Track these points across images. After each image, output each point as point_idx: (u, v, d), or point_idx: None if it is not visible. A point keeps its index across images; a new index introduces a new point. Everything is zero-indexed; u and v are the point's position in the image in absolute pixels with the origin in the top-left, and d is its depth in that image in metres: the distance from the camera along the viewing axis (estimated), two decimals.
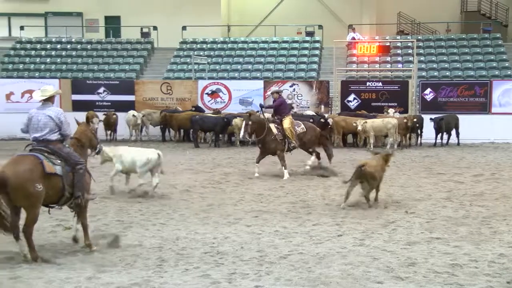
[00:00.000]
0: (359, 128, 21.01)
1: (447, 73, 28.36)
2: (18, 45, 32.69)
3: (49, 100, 8.69)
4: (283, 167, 15.41)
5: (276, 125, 15.66)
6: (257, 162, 15.68)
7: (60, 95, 25.37)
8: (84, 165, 8.66)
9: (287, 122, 15.75)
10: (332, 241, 9.09)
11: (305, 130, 16.01)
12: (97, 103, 25.83)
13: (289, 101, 24.55)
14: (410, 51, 30.01)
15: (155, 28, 33.20)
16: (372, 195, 11.69)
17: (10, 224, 7.96)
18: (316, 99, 25.47)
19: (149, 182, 12.76)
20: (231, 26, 37.38)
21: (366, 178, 11.34)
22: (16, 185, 7.80)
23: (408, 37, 32.73)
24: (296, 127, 15.90)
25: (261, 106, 16.84)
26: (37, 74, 29.56)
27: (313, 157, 16.12)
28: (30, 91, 25.12)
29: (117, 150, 12.86)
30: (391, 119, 21.45)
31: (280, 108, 15.98)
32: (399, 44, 31.09)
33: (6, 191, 7.79)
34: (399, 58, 30.29)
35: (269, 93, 16.85)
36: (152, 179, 12.63)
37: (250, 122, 15.30)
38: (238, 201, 12.15)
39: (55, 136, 8.48)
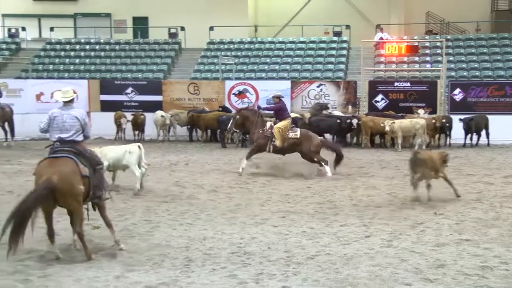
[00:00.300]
0: (387, 128, 20.84)
1: (477, 73, 28.01)
2: (48, 46, 33.09)
3: (70, 101, 8.72)
4: (245, 157, 15.77)
5: (272, 123, 15.91)
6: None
7: (89, 95, 25.74)
8: (103, 165, 8.79)
9: (281, 123, 15.78)
10: (359, 242, 9.03)
11: (298, 136, 15.75)
12: (125, 103, 26.01)
13: (324, 101, 24.51)
14: (439, 51, 29.70)
15: (182, 28, 33.36)
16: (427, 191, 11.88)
17: (48, 229, 8.10)
18: (343, 100, 25.34)
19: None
20: (258, 26, 37.41)
21: (420, 165, 11.74)
22: (65, 189, 7.91)
23: (437, 37, 32.43)
24: (290, 132, 15.76)
25: (259, 107, 16.90)
26: (66, 75, 29.89)
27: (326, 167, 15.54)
28: None
29: (103, 149, 13.05)
30: (419, 119, 21.26)
31: (279, 113, 16.03)
32: (427, 44, 30.80)
33: (54, 195, 7.90)
34: (428, 58, 30.00)
35: (270, 96, 16.90)
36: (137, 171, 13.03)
37: (237, 116, 16.04)
38: (265, 202, 12.13)
39: (80, 137, 8.54)
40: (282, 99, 16.80)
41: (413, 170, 11.98)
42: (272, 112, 16.56)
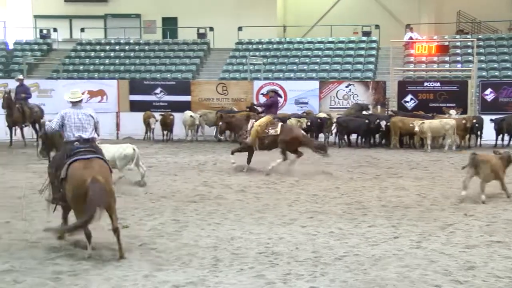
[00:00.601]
0: (417, 129, 20.63)
1: (509, 73, 27.61)
2: (78, 47, 33.47)
3: (79, 101, 8.89)
4: (230, 152, 16.31)
5: (254, 122, 16.02)
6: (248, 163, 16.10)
7: (118, 95, 25.96)
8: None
9: (261, 120, 15.93)
10: (388, 243, 8.97)
11: (278, 133, 15.75)
12: (154, 104, 26.15)
13: (364, 102, 24.27)
14: (469, 50, 29.34)
15: (211, 29, 33.47)
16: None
17: (86, 229, 8.21)
18: (372, 100, 25.17)
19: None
20: (287, 26, 37.34)
21: (479, 165, 11.70)
22: (108, 189, 8.19)
23: (468, 36, 32.03)
24: (270, 128, 15.84)
25: (253, 104, 17.26)
26: (96, 75, 30.20)
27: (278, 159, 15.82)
28: (90, 92, 25.73)
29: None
30: (449, 120, 21.02)
31: (271, 109, 16.37)
32: (458, 43, 30.45)
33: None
34: (458, 58, 29.66)
35: (264, 90, 17.10)
36: (139, 170, 13.62)
37: (220, 123, 16.59)
38: (293, 202, 12.10)
39: (95, 135, 8.71)
40: (277, 93, 17.22)
41: (472, 170, 11.87)
42: (263, 108, 16.78)
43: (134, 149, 13.48)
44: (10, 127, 22.14)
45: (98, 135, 8.87)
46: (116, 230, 8.26)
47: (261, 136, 15.77)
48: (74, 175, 8.15)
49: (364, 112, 23.04)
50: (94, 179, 7.99)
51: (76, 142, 8.50)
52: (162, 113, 24.37)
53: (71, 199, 8.20)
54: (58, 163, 8.60)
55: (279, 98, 16.48)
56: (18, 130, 22.45)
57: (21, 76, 23.53)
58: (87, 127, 8.59)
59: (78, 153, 8.37)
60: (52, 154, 9.24)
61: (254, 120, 16.18)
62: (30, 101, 22.83)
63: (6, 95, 21.84)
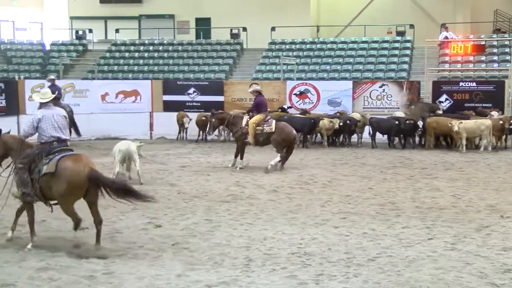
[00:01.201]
0: (455, 128, 20.32)
1: None
2: (113, 48, 33.82)
3: (49, 102, 8.99)
4: (234, 156, 16.74)
5: (248, 119, 16.62)
6: (241, 158, 16.79)
7: (152, 95, 26.14)
8: None
9: (255, 118, 16.50)
10: (422, 244, 8.88)
11: (273, 130, 16.42)
12: (187, 104, 26.28)
13: (436, 103, 23.93)
14: (507, 50, 28.87)
15: (244, 29, 33.53)
16: None
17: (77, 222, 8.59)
18: (407, 100, 24.92)
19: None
20: (320, 26, 37.18)
21: None
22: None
23: (505, 36, 31.52)
24: (265, 126, 16.46)
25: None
26: (130, 75, 30.47)
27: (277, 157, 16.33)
28: (124, 92, 25.95)
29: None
30: (484, 120, 20.69)
31: (258, 108, 16.82)
32: (495, 43, 29.99)
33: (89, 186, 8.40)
34: (495, 58, 29.19)
35: (250, 90, 17.50)
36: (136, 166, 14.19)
37: (213, 120, 17.11)
38: (326, 202, 12.06)
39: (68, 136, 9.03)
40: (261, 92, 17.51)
41: None
42: (253, 109, 17.10)
43: (127, 147, 14.07)
44: None
45: (69, 136, 9.10)
46: (100, 222, 8.56)
47: (256, 133, 16.48)
48: (68, 168, 8.29)
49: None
50: (92, 169, 8.36)
51: (55, 142, 8.69)
52: (205, 115, 24.24)
53: (64, 191, 8.30)
54: (31, 159, 8.63)
55: (262, 98, 17.22)
56: None
57: (52, 76, 23.58)
58: (63, 128, 8.86)
59: (61, 151, 8.58)
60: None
61: (248, 117, 16.76)
62: (63, 101, 22.88)
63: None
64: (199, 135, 24.21)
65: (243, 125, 16.62)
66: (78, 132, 22.47)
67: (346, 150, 21.16)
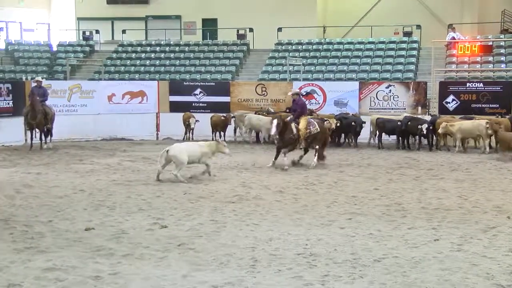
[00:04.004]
0: (440, 130, 20.33)
1: None
2: (120, 48, 33.90)
3: None
4: (285, 157, 16.75)
5: (295, 125, 16.82)
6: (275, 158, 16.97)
7: (158, 96, 26.17)
8: None
9: (302, 123, 16.89)
10: (428, 245, 8.86)
11: (318, 130, 17.09)
12: (193, 104, 26.30)
13: None
14: None
15: (251, 30, 33.54)
16: None
17: None
18: (413, 101, 24.86)
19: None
20: (327, 27, 37.17)
21: None
22: None
23: None
24: (311, 127, 16.99)
25: (288, 108, 17.92)
26: (137, 76, 30.53)
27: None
28: (130, 93, 25.99)
29: None
30: (481, 121, 20.55)
31: (303, 110, 17.40)
32: (502, 43, 29.90)
33: None
34: (502, 58, 29.11)
35: (291, 93, 17.70)
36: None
37: (280, 123, 16.66)
38: (332, 203, 12.04)
39: None
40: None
41: None
42: (296, 112, 17.33)
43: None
44: (31, 129, 21.32)
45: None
46: None
47: (306, 136, 16.90)
48: None
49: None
50: None
51: None
52: (224, 115, 24.21)
53: None
54: None
55: (303, 100, 17.98)
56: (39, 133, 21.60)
57: (39, 78, 23.22)
58: None
59: None
60: None
61: (294, 124, 16.83)
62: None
63: (32, 97, 21.34)
64: (220, 136, 23.83)
65: (294, 133, 16.73)
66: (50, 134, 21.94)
67: (352, 150, 21.13)
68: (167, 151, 14.27)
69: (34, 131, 21.34)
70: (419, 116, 22.49)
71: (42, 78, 23.18)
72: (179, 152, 14.24)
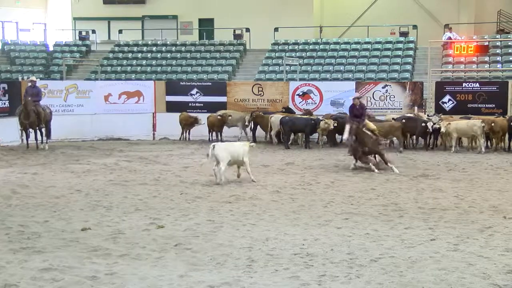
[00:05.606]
0: (442, 129, 20.34)
1: None
2: (116, 48, 33.84)
3: None
4: (389, 164, 16.30)
5: (366, 129, 16.74)
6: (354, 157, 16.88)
7: (155, 96, 26.14)
8: None
9: (370, 125, 17.07)
10: (424, 245, 8.87)
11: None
12: (190, 104, 26.29)
13: None
14: (510, 50, 28.85)
15: (247, 29, 33.53)
16: None
17: None
18: (409, 101, 24.90)
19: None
20: (323, 27, 37.18)
21: None
22: None
23: (509, 36, 31.47)
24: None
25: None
26: (133, 76, 30.50)
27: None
28: (127, 93, 25.98)
29: None
30: (476, 121, 20.57)
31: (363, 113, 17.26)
32: (498, 43, 29.95)
33: None
34: (498, 58, 29.17)
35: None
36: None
37: (353, 126, 16.54)
38: (329, 203, 12.05)
39: None
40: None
41: None
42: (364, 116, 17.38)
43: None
44: (26, 129, 21.34)
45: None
46: None
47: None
48: None
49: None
50: None
51: None
52: (220, 115, 24.14)
53: None
54: None
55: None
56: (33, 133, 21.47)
57: (34, 78, 23.17)
58: None
59: None
60: None
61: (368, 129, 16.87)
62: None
63: (26, 98, 21.27)
64: (218, 136, 23.80)
65: (373, 136, 16.72)
66: (48, 135, 21.93)
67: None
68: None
69: (28, 131, 21.36)
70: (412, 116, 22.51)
71: (36, 78, 23.05)
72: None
